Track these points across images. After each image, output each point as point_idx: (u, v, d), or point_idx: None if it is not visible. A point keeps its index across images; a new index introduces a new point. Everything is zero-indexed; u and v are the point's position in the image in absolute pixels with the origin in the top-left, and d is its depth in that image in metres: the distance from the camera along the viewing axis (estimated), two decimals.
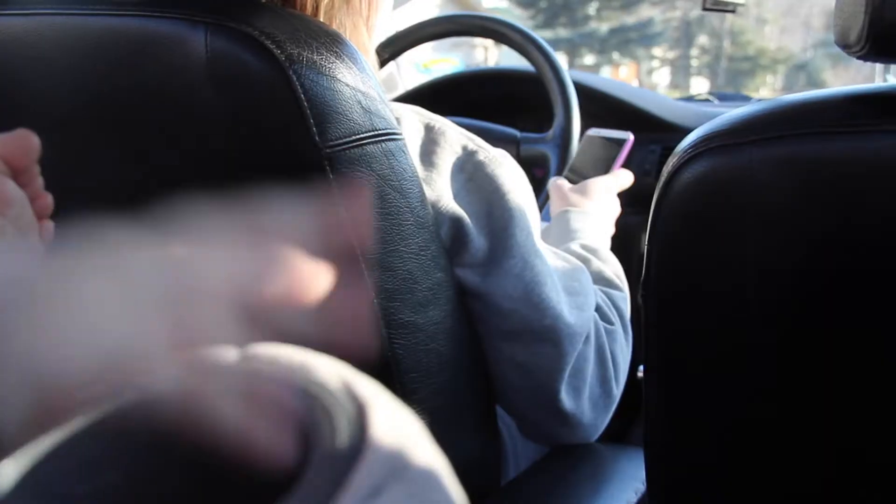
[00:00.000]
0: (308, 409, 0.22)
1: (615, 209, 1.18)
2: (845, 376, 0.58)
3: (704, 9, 1.07)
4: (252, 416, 0.22)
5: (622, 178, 1.21)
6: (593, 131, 1.33)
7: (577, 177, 1.26)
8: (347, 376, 0.23)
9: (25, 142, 0.53)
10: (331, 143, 0.66)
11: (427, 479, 0.21)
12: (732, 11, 1.06)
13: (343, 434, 0.21)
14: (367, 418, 0.21)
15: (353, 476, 0.19)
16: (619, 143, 1.26)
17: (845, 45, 0.58)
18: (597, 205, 1.15)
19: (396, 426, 0.21)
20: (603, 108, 1.66)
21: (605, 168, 1.25)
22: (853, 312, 0.56)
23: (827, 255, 0.56)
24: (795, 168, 0.55)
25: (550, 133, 1.44)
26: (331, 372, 0.23)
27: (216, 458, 0.23)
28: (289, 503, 0.19)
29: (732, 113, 0.61)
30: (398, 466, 0.20)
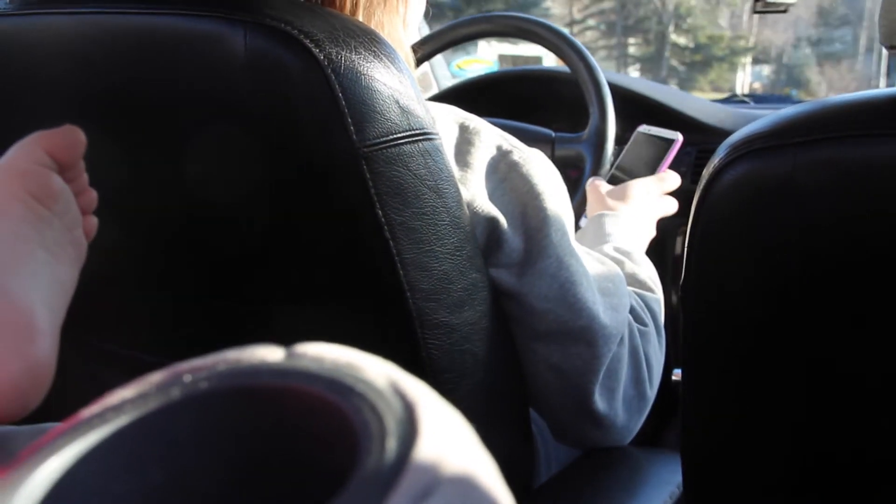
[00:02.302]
0: (356, 408, 0.22)
1: (656, 211, 1.16)
2: (888, 384, 0.57)
3: (755, 12, 1.06)
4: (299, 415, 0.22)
5: (667, 181, 1.19)
6: (643, 128, 1.31)
7: (624, 174, 1.24)
8: (395, 375, 0.23)
9: (72, 137, 0.54)
10: (368, 142, 0.66)
11: (477, 478, 0.20)
12: (784, 11, 1.05)
13: (392, 433, 0.20)
14: (415, 417, 0.21)
15: (404, 476, 0.19)
16: (667, 143, 1.24)
17: (891, 46, 0.57)
18: (634, 208, 1.13)
19: (445, 425, 0.21)
20: (638, 109, 1.65)
21: (652, 167, 1.23)
22: None
23: (871, 260, 0.55)
24: (839, 171, 0.55)
25: (585, 133, 1.43)
26: (378, 371, 0.23)
27: (264, 457, 0.23)
28: (339, 503, 0.18)
29: (774, 114, 0.60)
30: (448, 466, 0.20)
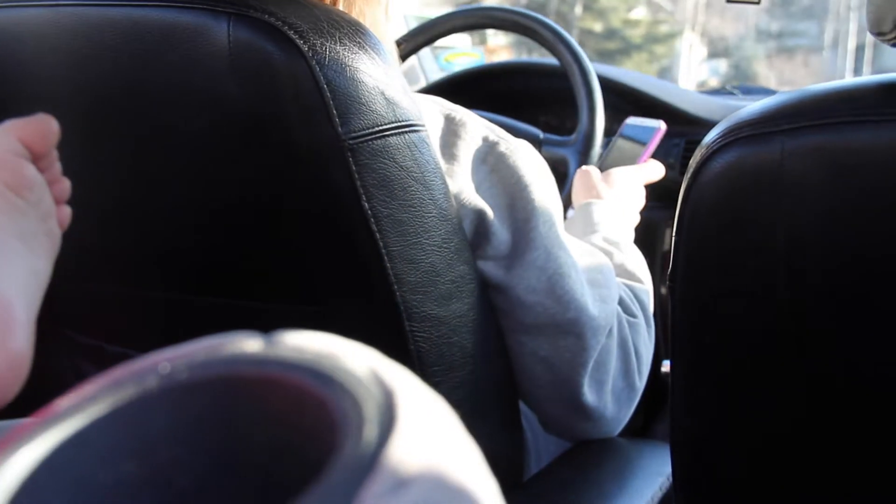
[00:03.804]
0: (334, 396, 0.21)
1: (640, 200, 1.17)
2: (876, 370, 0.57)
3: (729, 1, 1.05)
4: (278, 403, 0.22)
5: (650, 170, 1.19)
6: (631, 120, 1.31)
7: (612, 166, 1.24)
8: (375, 363, 0.22)
9: (45, 126, 0.53)
10: (353, 134, 0.66)
11: (456, 466, 0.20)
12: (757, 2, 1.04)
13: (371, 421, 0.20)
14: (395, 405, 0.21)
15: (380, 465, 0.18)
16: (650, 131, 1.24)
17: (879, 33, 0.57)
18: (620, 196, 1.13)
19: (426, 413, 0.21)
20: (627, 100, 1.64)
21: (635, 157, 1.23)
22: (885, 304, 0.55)
23: (858, 245, 0.55)
24: (826, 157, 0.54)
25: (573, 138, 1.42)
26: (358, 358, 0.22)
27: (242, 447, 0.23)
28: (317, 492, 0.18)
29: (762, 102, 0.60)
30: (428, 454, 0.19)
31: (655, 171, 1.19)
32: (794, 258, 0.56)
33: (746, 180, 0.57)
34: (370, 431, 0.20)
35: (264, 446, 0.23)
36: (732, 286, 0.59)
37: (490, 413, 0.85)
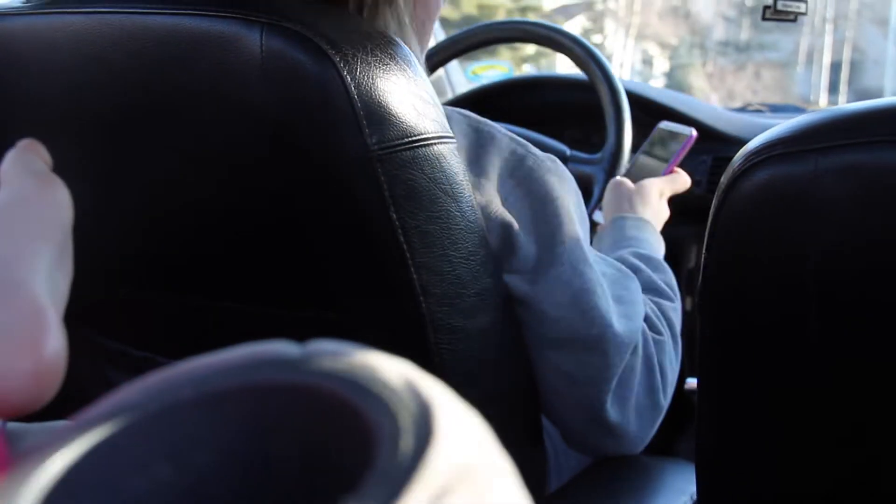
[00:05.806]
0: (371, 406, 0.21)
1: (665, 213, 1.16)
2: None
3: (764, 18, 1.04)
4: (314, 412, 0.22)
5: (677, 183, 1.18)
6: (664, 125, 1.29)
7: (642, 170, 1.23)
8: (411, 375, 0.22)
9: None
10: (383, 145, 0.66)
11: (495, 480, 0.20)
12: (793, 20, 1.03)
13: (408, 433, 0.20)
14: (432, 418, 0.20)
15: (420, 476, 0.18)
16: (680, 137, 1.22)
17: None
18: (652, 211, 1.12)
19: (462, 426, 0.21)
20: (653, 116, 1.64)
21: (664, 163, 1.21)
22: None
23: (891, 265, 0.54)
24: (860, 176, 0.54)
25: (600, 156, 1.42)
26: (393, 370, 0.22)
27: (276, 456, 0.23)
28: (354, 502, 0.18)
29: (795, 120, 0.59)
30: (465, 467, 0.19)
31: (683, 183, 1.18)
32: (825, 276, 0.56)
33: (779, 198, 0.56)
34: (407, 443, 0.20)
35: (298, 456, 0.23)
36: (763, 304, 0.59)
37: (513, 427, 0.85)
